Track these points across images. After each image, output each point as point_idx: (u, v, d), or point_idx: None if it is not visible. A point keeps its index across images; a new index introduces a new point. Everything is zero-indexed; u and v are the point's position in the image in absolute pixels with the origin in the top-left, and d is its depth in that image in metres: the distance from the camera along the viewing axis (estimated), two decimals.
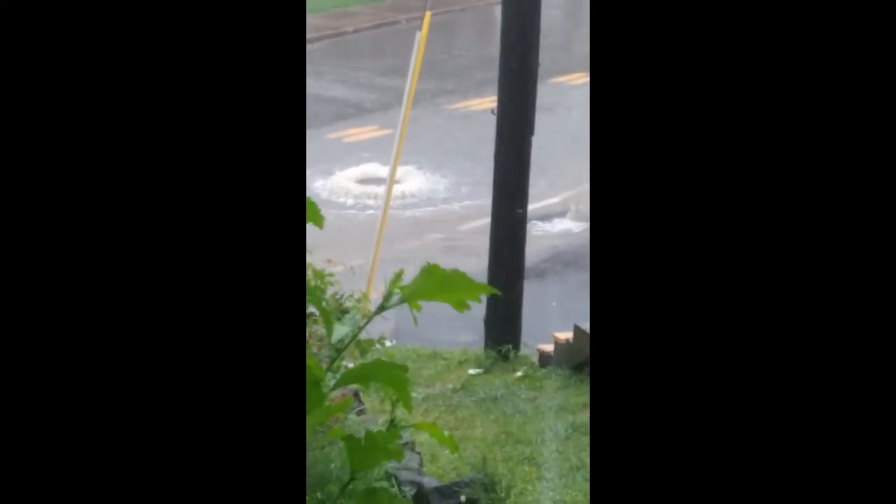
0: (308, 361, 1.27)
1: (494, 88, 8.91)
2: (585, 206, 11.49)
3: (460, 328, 8.74)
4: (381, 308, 1.31)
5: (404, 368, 1.34)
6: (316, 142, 14.40)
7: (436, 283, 1.28)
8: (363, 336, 6.00)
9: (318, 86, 16.86)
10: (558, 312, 9.39)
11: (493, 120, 8.76)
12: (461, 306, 1.30)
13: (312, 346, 4.78)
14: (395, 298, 1.29)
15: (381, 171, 12.43)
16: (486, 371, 8.47)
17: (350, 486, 1.41)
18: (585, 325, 7.74)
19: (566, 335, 8.20)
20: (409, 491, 5.25)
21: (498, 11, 9.36)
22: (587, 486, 5.95)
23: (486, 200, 9.55)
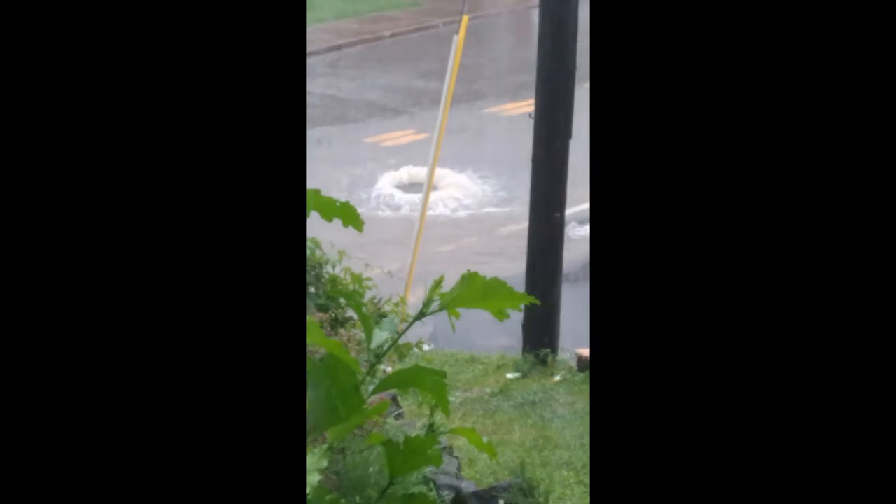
0: (350, 365, 1.28)
1: (532, 92, 8.89)
2: None
3: (498, 332, 8.72)
4: (421, 314, 1.31)
5: (443, 374, 1.34)
6: (354, 146, 14.45)
7: (476, 290, 1.28)
8: (401, 340, 6.02)
9: (356, 90, 16.91)
10: None
11: (530, 124, 8.75)
12: (501, 315, 1.30)
13: (351, 351, 4.79)
14: (434, 305, 1.30)
15: (419, 174, 12.44)
16: (524, 375, 8.46)
17: (389, 491, 1.42)
18: None
19: None
20: (448, 495, 5.25)
21: (535, 15, 9.34)
22: None
23: (523, 205, 9.54)
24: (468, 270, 1.29)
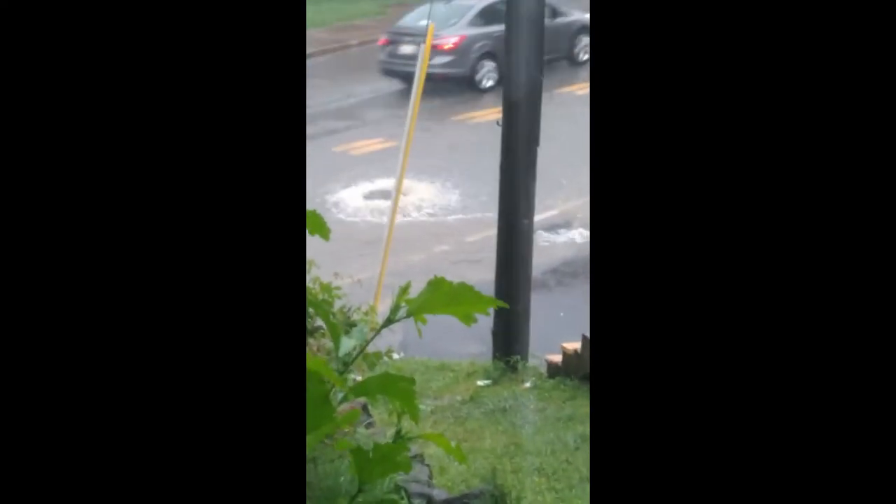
0: (322, 373, 1.28)
1: (499, 100, 8.91)
2: None
3: (468, 340, 8.74)
4: (389, 321, 1.32)
5: (411, 381, 1.34)
6: (323, 154, 14.42)
7: (443, 296, 1.29)
8: (371, 349, 6.00)
9: (324, 99, 16.89)
10: (566, 323, 9.39)
11: (498, 131, 8.77)
12: (468, 319, 1.30)
13: None
14: (402, 311, 1.30)
15: (388, 182, 12.43)
16: (495, 382, 8.47)
17: (359, 499, 1.41)
18: None
19: (574, 345, 8.20)
20: (419, 503, 5.24)
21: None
22: None
23: (492, 212, 9.55)
24: (435, 276, 1.29)
